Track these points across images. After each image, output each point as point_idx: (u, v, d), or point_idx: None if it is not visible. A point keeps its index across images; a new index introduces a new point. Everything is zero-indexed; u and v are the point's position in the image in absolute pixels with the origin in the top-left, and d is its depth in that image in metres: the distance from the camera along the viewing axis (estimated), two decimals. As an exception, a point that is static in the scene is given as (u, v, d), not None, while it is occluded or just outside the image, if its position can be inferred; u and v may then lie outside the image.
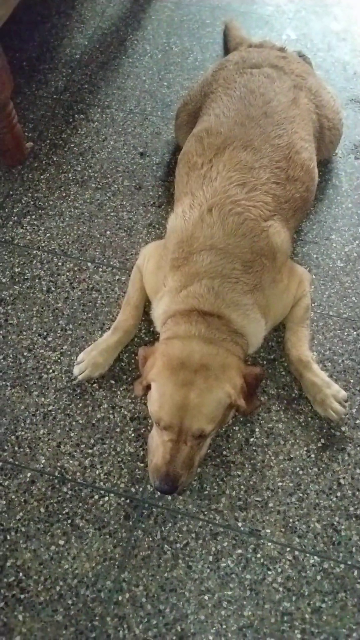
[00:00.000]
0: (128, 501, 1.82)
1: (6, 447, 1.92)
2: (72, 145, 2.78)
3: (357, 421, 1.98)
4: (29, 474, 1.87)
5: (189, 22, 3.38)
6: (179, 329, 1.79)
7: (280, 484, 1.85)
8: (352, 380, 2.06)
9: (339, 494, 1.84)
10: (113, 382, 2.06)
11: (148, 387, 1.74)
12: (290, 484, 1.85)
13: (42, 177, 2.66)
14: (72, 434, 1.95)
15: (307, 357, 2.00)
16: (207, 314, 1.80)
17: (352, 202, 2.58)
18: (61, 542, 1.75)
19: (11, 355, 2.12)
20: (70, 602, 1.66)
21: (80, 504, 1.81)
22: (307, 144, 2.19)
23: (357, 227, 2.50)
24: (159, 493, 1.77)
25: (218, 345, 1.75)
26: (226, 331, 1.80)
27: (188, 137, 2.29)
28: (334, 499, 1.83)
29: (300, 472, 1.88)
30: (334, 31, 3.34)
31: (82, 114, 2.90)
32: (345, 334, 2.18)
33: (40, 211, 2.54)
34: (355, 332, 2.18)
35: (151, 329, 2.13)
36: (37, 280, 2.32)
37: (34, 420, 1.98)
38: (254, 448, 1.92)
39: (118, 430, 1.96)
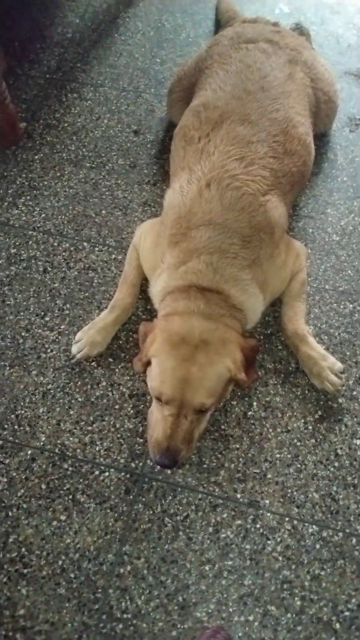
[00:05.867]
0: (128, 476, 1.84)
1: (6, 426, 1.93)
2: (66, 124, 2.76)
3: (354, 393, 1.99)
4: (29, 452, 1.89)
5: (181, -2, 3.34)
6: (178, 305, 1.79)
7: (278, 455, 1.87)
8: (348, 353, 2.07)
9: (336, 464, 1.86)
10: (111, 360, 2.06)
11: (148, 364, 1.75)
12: (288, 456, 1.87)
13: (36, 157, 2.64)
14: (71, 412, 1.96)
15: (303, 331, 2.01)
16: (205, 290, 1.80)
17: (347, 175, 2.57)
18: (62, 518, 1.77)
19: (9, 336, 2.12)
20: (72, 575, 1.68)
21: (81, 480, 1.83)
22: (303, 119, 2.18)
23: (352, 200, 2.49)
24: (158, 467, 1.78)
25: (217, 320, 1.75)
26: (225, 306, 1.80)
27: (184, 112, 2.27)
28: (332, 469, 1.85)
29: (298, 444, 1.89)
30: (327, 4, 3.31)
31: (75, 93, 2.88)
32: (342, 307, 2.19)
33: (35, 192, 2.53)
34: (351, 305, 2.19)
35: (148, 307, 2.13)
36: (33, 261, 2.32)
37: (34, 399, 1.99)
38: (252, 421, 1.94)
39: (117, 407, 1.97)
